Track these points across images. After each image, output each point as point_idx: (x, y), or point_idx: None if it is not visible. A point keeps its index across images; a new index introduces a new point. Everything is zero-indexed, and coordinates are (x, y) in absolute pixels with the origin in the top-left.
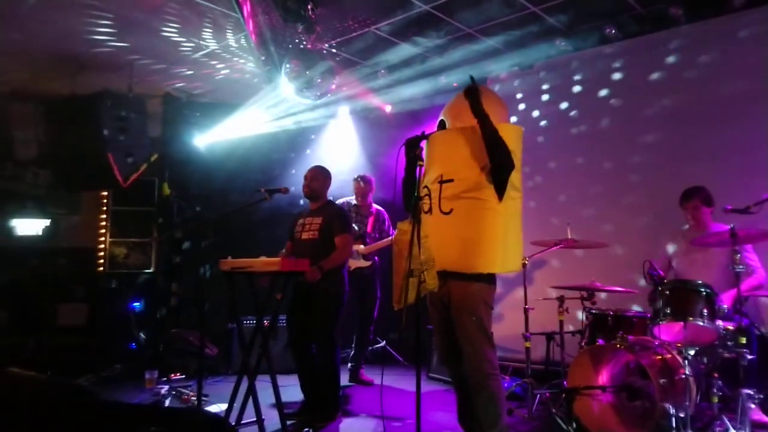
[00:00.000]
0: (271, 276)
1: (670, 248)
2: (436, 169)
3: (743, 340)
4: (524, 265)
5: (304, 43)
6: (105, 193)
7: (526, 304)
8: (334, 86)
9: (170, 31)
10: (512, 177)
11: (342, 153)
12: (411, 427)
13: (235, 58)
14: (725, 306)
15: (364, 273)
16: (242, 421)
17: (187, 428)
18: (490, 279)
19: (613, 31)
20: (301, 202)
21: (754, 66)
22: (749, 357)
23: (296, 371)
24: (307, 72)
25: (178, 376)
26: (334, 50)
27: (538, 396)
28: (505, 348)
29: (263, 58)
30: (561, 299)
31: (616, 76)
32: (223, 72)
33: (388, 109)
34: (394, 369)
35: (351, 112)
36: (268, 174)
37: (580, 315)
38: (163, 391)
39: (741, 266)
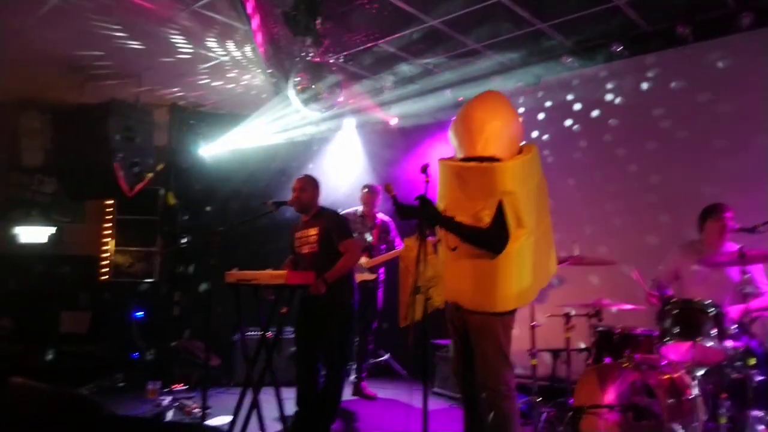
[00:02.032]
0: (277, 289)
1: (678, 264)
2: (442, 201)
3: (752, 361)
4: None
5: (312, 56)
6: (110, 202)
7: (532, 321)
8: (340, 99)
9: (179, 43)
10: (513, 216)
11: (347, 165)
12: None
13: (243, 70)
14: (734, 326)
15: (368, 286)
16: None
17: None
18: (508, 312)
19: (620, 49)
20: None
21: (758, 86)
22: (758, 378)
23: (296, 383)
24: (314, 85)
25: (181, 387)
26: (341, 63)
27: (544, 414)
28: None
29: (270, 70)
30: (568, 316)
31: (623, 93)
32: (230, 83)
33: (394, 122)
34: (398, 383)
35: (357, 124)
36: (273, 185)
37: (587, 333)
38: (165, 403)
39: (749, 287)
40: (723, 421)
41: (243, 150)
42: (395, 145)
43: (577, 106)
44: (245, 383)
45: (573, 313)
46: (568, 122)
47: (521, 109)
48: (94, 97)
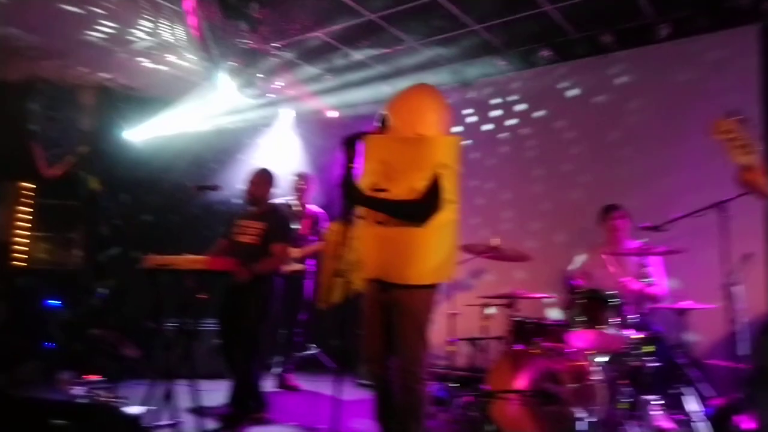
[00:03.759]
0: (198, 275)
1: (588, 261)
2: (372, 176)
3: (649, 349)
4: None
5: (248, 42)
6: (28, 185)
7: (451, 310)
8: (276, 87)
9: (108, 22)
10: (448, 189)
11: (283, 155)
12: None
13: (175, 54)
14: (632, 315)
15: (295, 276)
16: (158, 423)
17: (99, 424)
18: (433, 285)
19: (549, 54)
20: (235, 201)
21: (671, 95)
22: (654, 364)
23: (226, 375)
24: (249, 71)
25: (96, 377)
26: (277, 51)
27: (460, 400)
28: (434, 354)
29: (204, 54)
30: (485, 306)
31: (548, 97)
32: (161, 66)
33: (333, 114)
34: (327, 376)
35: (294, 114)
36: (203, 172)
37: (503, 321)
38: (78, 393)
39: (651, 279)
40: (623, 406)
41: (173, 136)
42: (333, 135)
43: (506, 107)
44: (160, 373)
45: (490, 303)
46: (496, 123)
47: (455, 108)
48: (16, 74)
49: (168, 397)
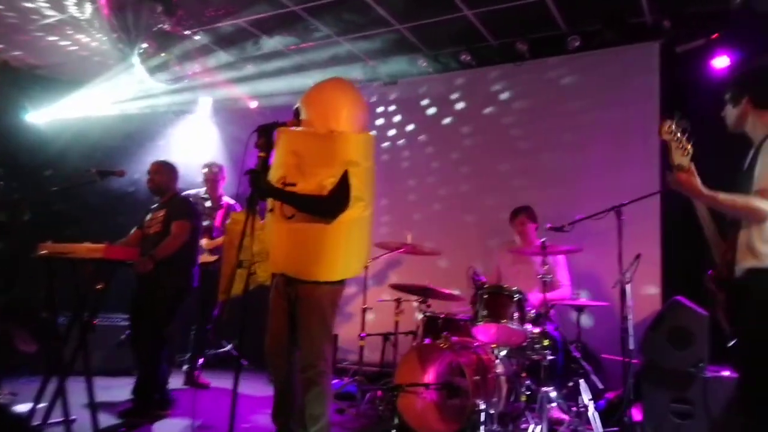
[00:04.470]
0: (96, 264)
1: (499, 260)
2: (281, 169)
3: (546, 343)
4: (365, 266)
5: (163, 24)
6: None
7: (364, 305)
8: (192, 72)
9: None
10: (357, 187)
11: (199, 144)
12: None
13: (84, 33)
14: (533, 311)
15: (208, 269)
16: (49, 421)
17: None
18: (339, 282)
19: (468, 58)
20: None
21: (576, 103)
22: (550, 358)
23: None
24: (163, 54)
25: None
26: (195, 36)
27: (369, 394)
28: (347, 350)
29: (116, 35)
30: (399, 301)
31: (467, 100)
32: (70, 46)
33: (253, 104)
34: (240, 373)
35: (211, 102)
36: (113, 158)
37: (417, 317)
38: None
39: (548, 276)
40: (523, 398)
41: (79, 119)
42: (251, 125)
43: (427, 109)
44: (52, 368)
45: (402, 299)
46: (417, 122)
47: (377, 105)
48: None
49: (61, 393)
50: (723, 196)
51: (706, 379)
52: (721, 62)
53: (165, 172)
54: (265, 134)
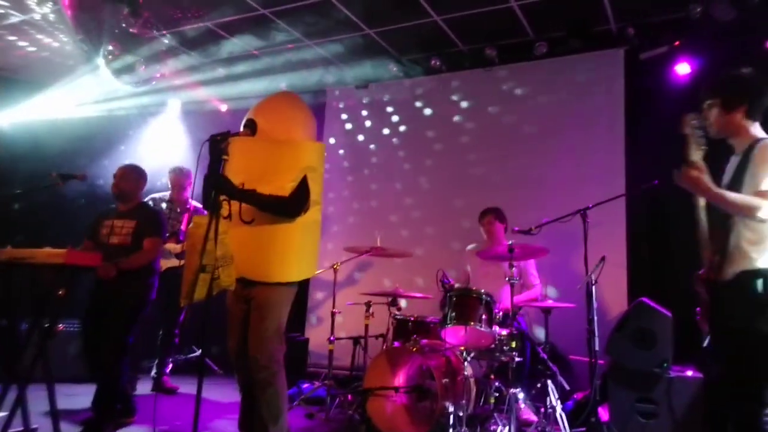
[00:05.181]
0: (56, 270)
1: (469, 261)
2: (239, 176)
3: (514, 344)
4: (335, 270)
5: (129, 26)
6: None
7: (333, 308)
8: (159, 75)
9: None
10: (314, 191)
11: (166, 147)
12: None
13: (46, 34)
14: (501, 313)
15: (175, 273)
16: (9, 430)
17: None
18: (292, 282)
19: (438, 63)
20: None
21: (544, 108)
22: (518, 359)
23: (91, 379)
24: (129, 56)
25: None
26: (163, 39)
27: (338, 399)
28: (317, 354)
29: (80, 36)
30: (368, 304)
31: (435, 104)
32: (31, 47)
33: (224, 107)
34: (210, 379)
35: (181, 105)
36: (75, 162)
37: (386, 320)
38: None
39: (516, 279)
40: (492, 400)
41: (41, 121)
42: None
43: (397, 113)
44: (11, 375)
45: (372, 302)
46: (387, 126)
47: (348, 109)
48: None
49: (20, 401)
50: (732, 195)
51: (670, 379)
52: (683, 69)
53: (132, 178)
54: (218, 143)
